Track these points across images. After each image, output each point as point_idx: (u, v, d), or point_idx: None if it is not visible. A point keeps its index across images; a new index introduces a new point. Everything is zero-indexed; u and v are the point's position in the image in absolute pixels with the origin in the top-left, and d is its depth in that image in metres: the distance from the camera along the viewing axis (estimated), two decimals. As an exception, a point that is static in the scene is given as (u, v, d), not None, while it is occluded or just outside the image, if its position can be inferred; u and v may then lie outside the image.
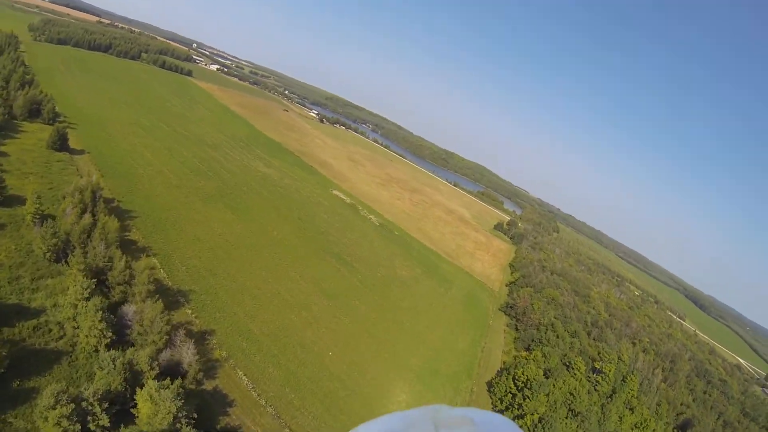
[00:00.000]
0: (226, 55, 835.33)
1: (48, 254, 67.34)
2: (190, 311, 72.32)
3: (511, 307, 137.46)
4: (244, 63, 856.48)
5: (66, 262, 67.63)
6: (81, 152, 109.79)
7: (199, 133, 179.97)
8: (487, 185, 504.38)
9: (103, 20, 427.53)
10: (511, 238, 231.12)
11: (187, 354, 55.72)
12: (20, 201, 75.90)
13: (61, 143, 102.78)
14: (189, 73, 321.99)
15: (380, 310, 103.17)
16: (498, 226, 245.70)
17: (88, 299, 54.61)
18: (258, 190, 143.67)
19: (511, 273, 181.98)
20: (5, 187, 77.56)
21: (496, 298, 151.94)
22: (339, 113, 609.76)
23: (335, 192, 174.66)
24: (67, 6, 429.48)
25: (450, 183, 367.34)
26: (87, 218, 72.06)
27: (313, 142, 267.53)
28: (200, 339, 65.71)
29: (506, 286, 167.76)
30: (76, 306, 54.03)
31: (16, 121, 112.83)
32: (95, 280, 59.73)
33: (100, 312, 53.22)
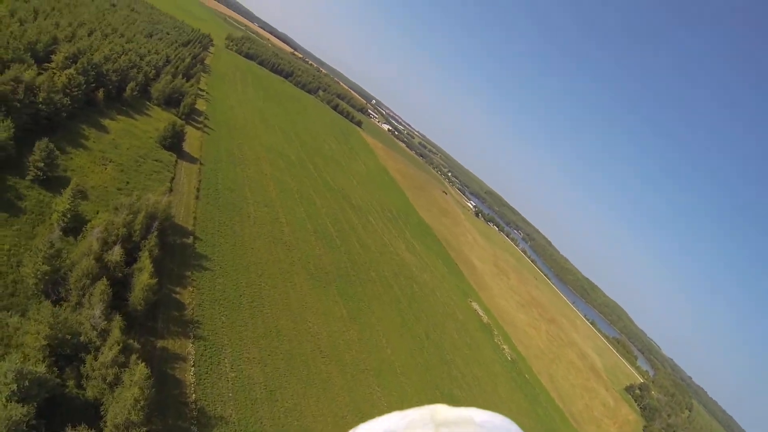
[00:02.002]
0: (400, 120, 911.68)
1: (36, 282, 44.60)
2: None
3: None
4: (416, 132, 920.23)
5: (54, 300, 44.00)
6: (194, 161, 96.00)
7: (345, 188, 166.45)
8: (621, 330, 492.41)
9: (296, 53, 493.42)
10: (641, 409, 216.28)
11: None
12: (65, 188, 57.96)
13: (173, 141, 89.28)
14: (359, 124, 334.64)
15: None
16: (629, 389, 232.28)
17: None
18: (388, 281, 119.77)
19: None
20: (57, 165, 60.65)
21: None
22: (494, 211, 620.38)
23: (473, 304, 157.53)
24: (272, 33, 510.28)
25: (588, 320, 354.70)
26: (115, 254, 48.13)
27: (463, 235, 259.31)
28: None
29: None
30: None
31: (148, 103, 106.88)
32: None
33: None
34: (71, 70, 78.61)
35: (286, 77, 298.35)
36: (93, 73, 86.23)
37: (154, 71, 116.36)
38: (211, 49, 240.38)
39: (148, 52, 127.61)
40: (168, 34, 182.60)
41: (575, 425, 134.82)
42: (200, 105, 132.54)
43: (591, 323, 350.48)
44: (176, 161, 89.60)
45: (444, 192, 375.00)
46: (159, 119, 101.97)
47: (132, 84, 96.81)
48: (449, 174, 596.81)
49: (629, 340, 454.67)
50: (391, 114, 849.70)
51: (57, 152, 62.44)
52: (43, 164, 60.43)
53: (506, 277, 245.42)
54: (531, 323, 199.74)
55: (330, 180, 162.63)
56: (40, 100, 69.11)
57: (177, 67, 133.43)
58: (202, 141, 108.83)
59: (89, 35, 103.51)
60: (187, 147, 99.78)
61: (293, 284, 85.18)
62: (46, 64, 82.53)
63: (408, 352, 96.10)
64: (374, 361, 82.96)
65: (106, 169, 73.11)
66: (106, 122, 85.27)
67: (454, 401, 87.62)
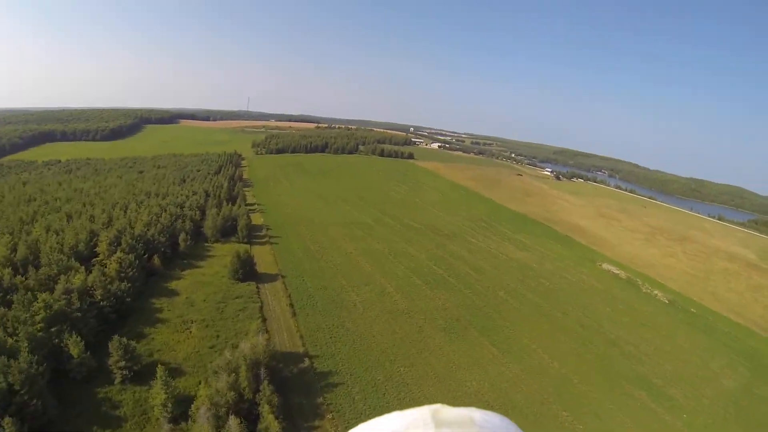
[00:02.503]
0: (444, 132, 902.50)
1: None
2: None
3: None
4: (463, 136, 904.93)
5: None
6: (274, 278, 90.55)
7: (431, 222, 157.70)
8: (752, 209, 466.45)
9: (321, 125, 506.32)
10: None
11: None
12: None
13: (245, 270, 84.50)
14: (410, 156, 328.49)
15: None
16: None
17: None
18: (519, 292, 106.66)
19: None
20: (138, 355, 56.00)
21: None
22: (571, 165, 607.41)
23: (604, 266, 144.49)
24: (290, 121, 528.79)
25: (714, 218, 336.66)
26: (232, 428, 40.07)
27: (556, 205, 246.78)
28: None
29: None
30: None
31: (206, 244, 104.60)
32: None
33: None
34: (118, 254, 76.68)
35: (322, 151, 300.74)
36: (141, 245, 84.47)
37: (198, 212, 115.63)
38: (244, 162, 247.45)
39: (187, 197, 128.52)
40: (198, 171, 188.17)
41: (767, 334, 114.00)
42: (256, 219, 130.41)
43: (719, 219, 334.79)
44: (257, 288, 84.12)
45: (518, 174, 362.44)
46: (223, 254, 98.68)
47: (182, 235, 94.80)
48: (513, 156, 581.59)
49: (764, 214, 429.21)
50: (434, 131, 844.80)
51: (134, 343, 58.01)
52: (124, 362, 55.96)
53: (617, 222, 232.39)
54: (665, 253, 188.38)
55: (413, 223, 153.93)
56: (99, 297, 66.39)
57: (219, 197, 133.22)
58: (274, 253, 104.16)
59: (125, 212, 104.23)
60: (262, 267, 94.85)
61: (431, 350, 74.62)
62: (94, 260, 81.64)
63: (574, 355, 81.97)
64: (549, 387, 69.57)
65: (190, 333, 68.15)
66: (173, 285, 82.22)
67: (647, 381, 77.84)
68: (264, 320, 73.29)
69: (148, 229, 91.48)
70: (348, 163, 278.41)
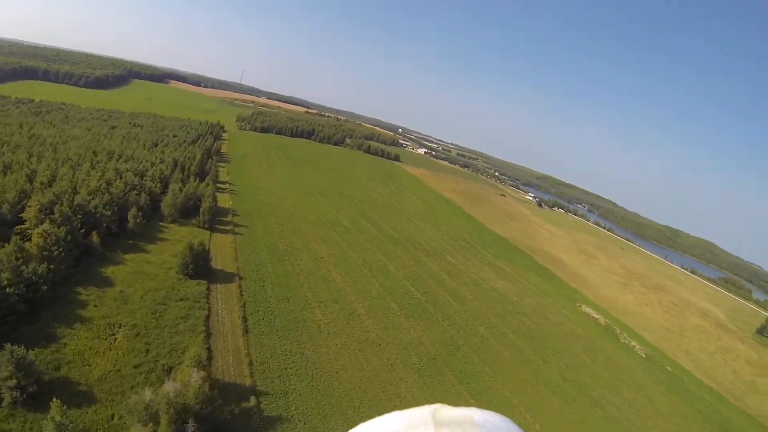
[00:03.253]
0: (432, 139, 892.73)
1: None
2: None
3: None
4: (450, 146, 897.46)
5: None
6: (230, 278, 76.19)
7: (411, 233, 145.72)
8: (720, 266, 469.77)
9: (310, 111, 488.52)
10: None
11: None
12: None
13: (198, 264, 70.27)
14: (396, 158, 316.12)
15: None
16: (762, 330, 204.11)
17: None
18: (500, 329, 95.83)
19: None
20: (37, 371, 42.74)
21: None
22: (552, 194, 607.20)
23: (584, 308, 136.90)
24: (280, 101, 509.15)
25: (687, 270, 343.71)
26: None
27: (538, 233, 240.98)
28: None
29: None
30: None
31: (161, 224, 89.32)
32: None
33: None
34: (45, 226, 61.32)
35: (308, 137, 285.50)
36: (79, 217, 69.14)
37: (160, 185, 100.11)
38: (225, 136, 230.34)
39: (152, 164, 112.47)
40: (175, 136, 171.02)
41: (737, 403, 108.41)
42: (224, 202, 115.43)
43: (691, 272, 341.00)
44: (208, 289, 69.76)
45: (502, 195, 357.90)
46: (178, 239, 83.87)
47: (133, 210, 79.32)
48: (497, 174, 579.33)
49: (733, 273, 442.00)
50: (421, 136, 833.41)
51: (32, 357, 43.37)
52: (16, 381, 41.51)
53: (595, 260, 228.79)
54: (641, 300, 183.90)
55: (393, 232, 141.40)
56: (6, 283, 51.28)
57: (187, 170, 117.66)
58: (236, 247, 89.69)
59: (74, 172, 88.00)
60: (219, 262, 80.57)
61: (402, 396, 62.18)
62: (17, 228, 66.04)
63: (557, 416, 71.47)
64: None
65: (115, 341, 53.68)
66: (109, 271, 67.25)
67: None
68: (208, 336, 59.20)
69: (92, 198, 75.95)
70: (332, 155, 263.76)
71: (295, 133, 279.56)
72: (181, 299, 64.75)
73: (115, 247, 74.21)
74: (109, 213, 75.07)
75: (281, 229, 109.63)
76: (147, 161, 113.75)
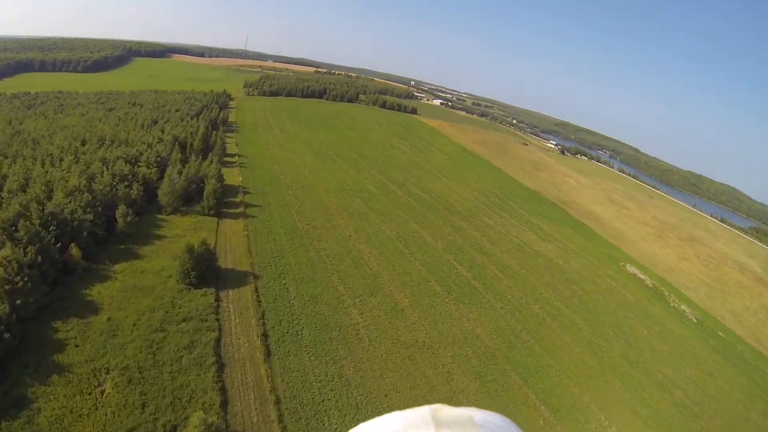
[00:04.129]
0: (445, 89, 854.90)
1: None
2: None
3: None
4: (464, 95, 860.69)
5: None
6: (243, 280, 61.60)
7: (442, 193, 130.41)
8: (748, 214, 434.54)
9: (320, 70, 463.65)
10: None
11: None
12: None
13: (202, 267, 55.54)
14: (413, 111, 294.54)
15: None
16: None
17: None
18: (554, 304, 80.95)
19: None
20: None
21: None
22: (572, 140, 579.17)
23: (628, 267, 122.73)
24: (288, 63, 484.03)
25: (717, 219, 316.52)
26: None
27: (566, 183, 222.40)
28: None
29: None
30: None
31: (159, 216, 74.58)
32: None
33: None
34: (5, 251, 47.09)
35: (320, 97, 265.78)
36: (52, 229, 54.79)
37: (157, 170, 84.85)
38: (232, 104, 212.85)
39: (149, 146, 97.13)
40: (177, 111, 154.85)
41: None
42: (233, 178, 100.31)
43: (720, 221, 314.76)
44: (216, 299, 55.41)
45: (524, 143, 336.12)
46: (179, 234, 69.52)
47: (122, 208, 64.46)
48: (514, 122, 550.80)
49: (762, 222, 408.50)
50: (434, 87, 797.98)
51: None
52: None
53: (627, 210, 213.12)
54: (679, 255, 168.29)
55: (422, 193, 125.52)
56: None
57: (190, 146, 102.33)
58: (248, 235, 74.86)
59: (49, 171, 73.10)
60: (229, 258, 66.03)
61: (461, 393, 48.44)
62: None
63: (629, 410, 57.79)
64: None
65: (103, 393, 40.04)
66: (95, 291, 53.23)
67: None
68: (221, 368, 45.07)
69: (71, 200, 61.36)
70: (347, 113, 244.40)
71: (305, 94, 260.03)
72: (184, 320, 50.47)
73: (102, 257, 59.99)
74: (91, 216, 60.45)
75: (300, 204, 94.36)
76: (143, 143, 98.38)
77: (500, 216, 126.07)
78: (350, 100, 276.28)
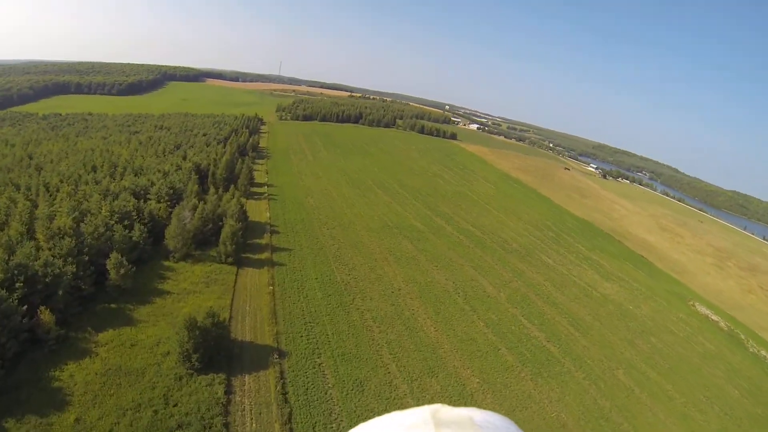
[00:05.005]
0: (479, 114, 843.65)
1: None
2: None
3: None
4: (498, 119, 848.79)
5: None
6: (264, 355, 47.07)
7: (494, 228, 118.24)
8: None
9: (354, 95, 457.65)
10: None
11: None
12: None
13: (208, 347, 40.89)
14: (453, 136, 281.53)
15: None
16: None
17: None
18: (638, 366, 66.91)
19: None
20: None
21: None
22: (611, 162, 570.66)
23: (698, 307, 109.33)
24: (322, 88, 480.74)
25: None
26: None
27: (614, 210, 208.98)
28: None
29: None
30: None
31: (166, 263, 61.32)
32: None
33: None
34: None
35: (356, 122, 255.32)
36: (18, 287, 41.79)
37: (167, 205, 71.97)
38: (264, 128, 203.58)
39: (164, 174, 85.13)
40: (204, 135, 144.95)
41: None
42: (259, 213, 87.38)
43: None
44: (227, 392, 40.54)
45: (566, 168, 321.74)
46: (186, 290, 55.69)
47: (114, 255, 51.03)
48: (551, 145, 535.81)
49: None
50: (469, 112, 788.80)
51: None
52: None
53: (680, 237, 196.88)
54: (743, 287, 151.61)
55: (473, 229, 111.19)
56: None
57: (211, 176, 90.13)
58: (274, 289, 60.44)
59: (44, 202, 61.08)
60: (247, 327, 51.30)
61: None
62: None
63: None
64: None
65: None
66: (67, 373, 39.59)
67: None
68: None
69: (52, 246, 48.53)
70: (384, 138, 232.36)
71: (341, 119, 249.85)
72: (179, 426, 35.79)
73: (84, 321, 46.44)
74: (73, 267, 47.25)
75: (337, 247, 79.97)
76: (158, 171, 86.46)
77: (557, 252, 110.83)
78: (387, 125, 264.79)
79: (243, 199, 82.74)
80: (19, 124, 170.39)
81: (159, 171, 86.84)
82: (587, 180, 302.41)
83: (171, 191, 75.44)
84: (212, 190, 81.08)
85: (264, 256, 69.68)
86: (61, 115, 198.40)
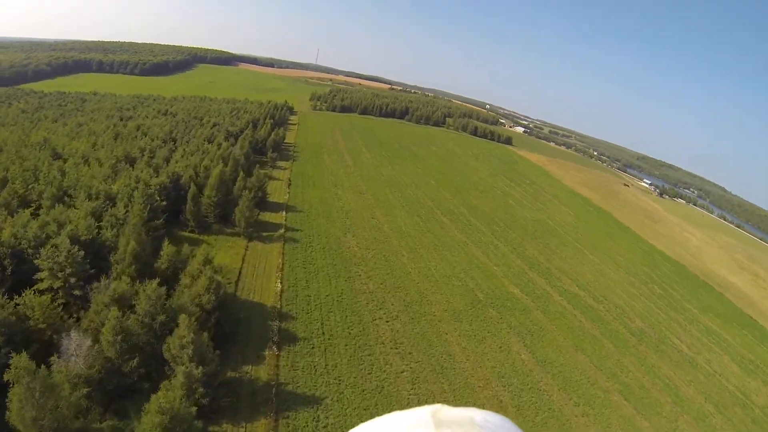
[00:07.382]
0: (518, 115, 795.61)
1: None
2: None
3: None
4: (538, 122, 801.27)
5: None
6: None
7: (599, 286, 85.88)
8: None
9: (395, 88, 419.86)
10: None
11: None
12: None
13: None
14: (508, 141, 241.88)
15: None
16: None
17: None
18: None
19: None
20: None
21: None
22: (656, 176, 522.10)
23: None
24: (360, 78, 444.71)
25: None
26: None
27: (686, 240, 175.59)
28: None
29: None
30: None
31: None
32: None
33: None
34: None
35: (401, 117, 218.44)
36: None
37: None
38: (293, 119, 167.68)
39: (110, 200, 49.22)
40: (213, 126, 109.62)
41: None
42: (265, 276, 50.90)
43: None
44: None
45: (625, 185, 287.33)
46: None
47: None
48: (595, 153, 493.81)
49: None
50: (508, 113, 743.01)
51: None
52: None
53: (761, 279, 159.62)
54: None
55: (578, 288, 78.07)
56: None
57: (192, 199, 53.77)
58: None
59: None
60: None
61: None
62: None
63: None
64: None
65: None
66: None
67: None
68: None
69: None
70: (436, 140, 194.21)
71: (383, 113, 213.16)
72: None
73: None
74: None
75: (382, 282, 44.84)
76: (104, 194, 50.29)
77: (679, 325, 76.44)
78: (436, 124, 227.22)
79: (216, 286, 44.22)
80: (9, 103, 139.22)
81: (104, 193, 50.48)
82: (648, 200, 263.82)
83: (116, 228, 38.21)
84: (189, 226, 43.98)
85: (282, 284, 32.88)
86: (65, 93, 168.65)
